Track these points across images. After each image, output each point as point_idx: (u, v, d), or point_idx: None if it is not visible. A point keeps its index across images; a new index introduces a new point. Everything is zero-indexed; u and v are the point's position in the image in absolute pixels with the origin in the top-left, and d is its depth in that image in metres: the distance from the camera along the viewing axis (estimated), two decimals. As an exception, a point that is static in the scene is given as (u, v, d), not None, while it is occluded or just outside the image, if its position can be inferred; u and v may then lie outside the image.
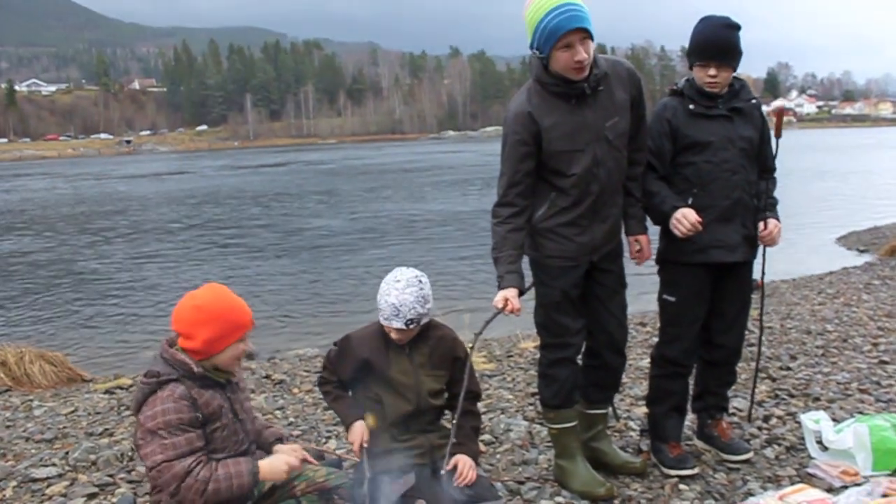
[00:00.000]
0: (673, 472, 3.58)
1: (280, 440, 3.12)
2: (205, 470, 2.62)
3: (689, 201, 3.45)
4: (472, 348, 3.27)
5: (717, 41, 3.38)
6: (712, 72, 3.39)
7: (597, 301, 3.42)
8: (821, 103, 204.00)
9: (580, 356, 3.53)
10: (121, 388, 6.35)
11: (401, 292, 3.00)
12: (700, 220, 3.34)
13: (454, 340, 3.28)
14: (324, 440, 4.43)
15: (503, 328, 7.27)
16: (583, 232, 3.28)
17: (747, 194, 3.48)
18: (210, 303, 2.70)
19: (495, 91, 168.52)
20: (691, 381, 3.82)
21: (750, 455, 3.71)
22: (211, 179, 46.05)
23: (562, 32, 2.95)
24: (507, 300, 3.14)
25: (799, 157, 43.64)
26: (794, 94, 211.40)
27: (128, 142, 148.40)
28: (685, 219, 3.34)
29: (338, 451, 3.97)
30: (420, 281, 3.07)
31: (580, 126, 3.16)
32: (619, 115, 3.23)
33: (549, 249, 3.31)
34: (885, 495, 3.03)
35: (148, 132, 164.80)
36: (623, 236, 3.52)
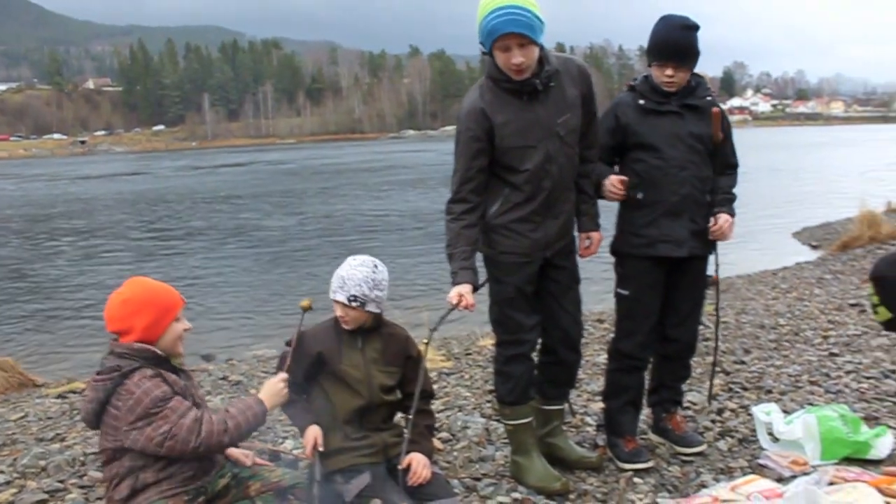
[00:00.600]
0: (628, 467, 3.61)
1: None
2: (214, 415, 2.68)
3: (640, 196, 3.52)
4: (427, 344, 3.27)
5: (674, 42, 3.44)
6: (669, 72, 3.45)
7: (551, 297, 3.44)
8: (775, 102, 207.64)
9: (535, 352, 3.55)
10: (74, 392, 6.23)
11: (352, 268, 3.06)
12: (623, 178, 3.48)
13: (407, 339, 3.30)
14: (280, 440, 4.39)
15: (462, 326, 7.28)
16: (536, 228, 3.30)
17: (697, 190, 3.52)
18: (136, 293, 2.72)
19: (455, 90, 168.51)
20: (647, 376, 3.86)
21: (703, 447, 3.76)
22: (168, 180, 45.43)
23: (497, 35, 2.98)
24: (461, 296, 3.14)
25: (755, 154, 44.32)
26: (749, 92, 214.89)
27: (82, 142, 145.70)
28: (611, 184, 3.48)
29: (294, 451, 3.93)
30: (376, 266, 3.10)
31: (532, 122, 3.18)
32: (571, 112, 3.26)
33: (503, 245, 3.32)
34: (831, 483, 3.10)
35: (103, 132, 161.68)
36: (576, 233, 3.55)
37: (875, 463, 3.48)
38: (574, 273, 3.51)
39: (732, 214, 3.61)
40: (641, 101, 3.55)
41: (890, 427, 3.83)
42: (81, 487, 3.78)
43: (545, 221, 3.31)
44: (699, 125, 3.51)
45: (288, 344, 3.22)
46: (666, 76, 3.46)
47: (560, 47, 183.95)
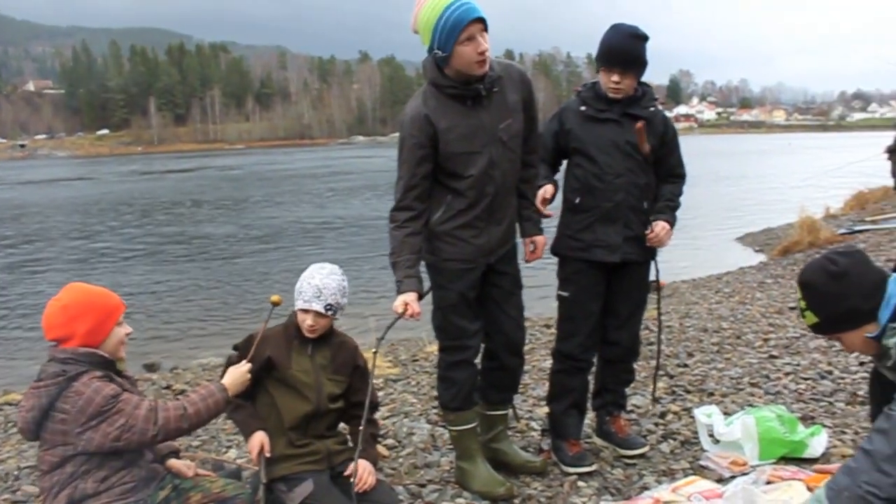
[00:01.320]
0: (571, 470, 3.64)
1: (174, 454, 3.04)
2: (170, 402, 2.67)
3: (577, 201, 3.58)
4: (375, 353, 3.26)
5: (621, 49, 3.49)
6: (615, 78, 3.49)
7: (493, 303, 3.45)
8: (720, 110, 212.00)
9: (479, 358, 3.56)
10: (9, 404, 6.05)
11: (325, 276, 3.08)
12: (552, 190, 3.61)
13: (355, 349, 3.31)
14: (224, 450, 4.33)
15: (410, 332, 7.26)
16: (479, 234, 3.31)
17: (633, 197, 3.56)
18: (76, 298, 2.68)
19: (405, 96, 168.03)
20: (591, 379, 3.90)
21: (645, 449, 3.80)
22: (112, 186, 44.53)
23: (464, 24, 2.98)
24: (406, 304, 3.14)
25: (700, 162, 45.14)
26: (695, 100, 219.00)
27: (22, 146, 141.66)
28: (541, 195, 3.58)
29: (238, 461, 3.88)
30: (342, 274, 3.16)
31: (476, 128, 3.19)
32: (513, 117, 3.28)
33: (447, 253, 3.32)
34: (769, 482, 3.16)
35: (44, 136, 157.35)
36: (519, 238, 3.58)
37: (810, 461, 3.56)
38: (517, 278, 3.53)
39: (672, 222, 3.65)
40: (583, 108, 3.61)
41: (825, 426, 3.92)
42: (15, 503, 3.67)
43: (488, 227, 3.32)
44: (644, 135, 3.54)
45: (235, 348, 3.19)
46: (612, 82, 3.51)
47: (509, 54, 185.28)
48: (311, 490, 3.05)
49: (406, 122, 3.22)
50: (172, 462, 2.98)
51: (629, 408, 4.34)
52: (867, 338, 2.29)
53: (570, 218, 3.65)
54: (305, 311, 3.09)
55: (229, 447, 4.35)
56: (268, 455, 3.05)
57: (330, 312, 3.09)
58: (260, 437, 3.08)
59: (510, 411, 3.87)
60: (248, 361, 3.06)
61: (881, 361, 2.29)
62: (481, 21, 3.01)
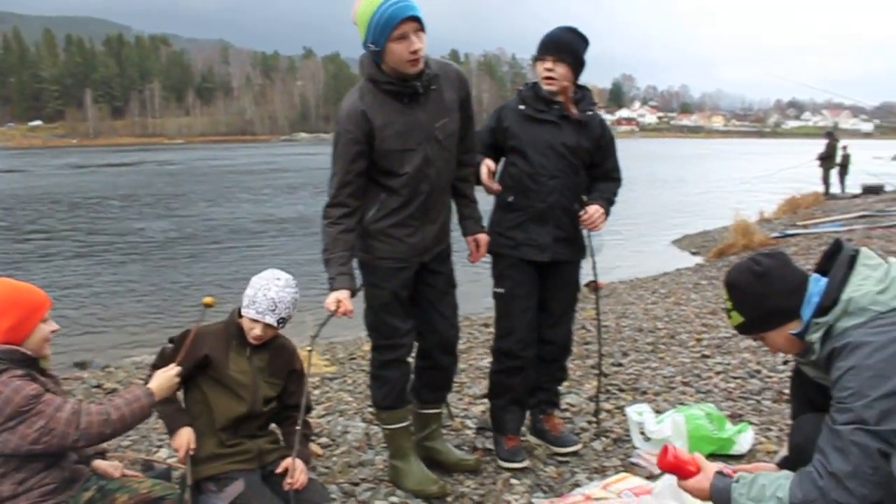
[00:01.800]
0: (505, 465, 3.67)
1: (101, 454, 2.96)
2: (93, 405, 2.57)
3: (510, 199, 3.61)
4: (310, 352, 3.23)
5: (554, 37, 3.56)
6: (548, 65, 3.52)
7: (427, 302, 3.45)
8: (661, 114, 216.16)
9: (412, 357, 3.55)
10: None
11: (280, 289, 3.00)
12: (493, 165, 3.61)
13: (293, 353, 3.26)
14: (154, 449, 4.24)
15: (348, 331, 7.21)
16: (413, 233, 3.30)
17: (566, 199, 3.59)
18: None
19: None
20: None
21: (578, 447, 3.84)
22: (45, 179, 43.20)
23: (397, 21, 2.94)
24: (339, 302, 3.10)
25: (640, 165, 45.88)
26: (637, 104, 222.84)
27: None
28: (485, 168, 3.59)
29: (169, 461, 3.80)
30: (296, 285, 3.08)
31: (412, 125, 3.18)
32: (449, 116, 3.28)
33: (381, 251, 3.31)
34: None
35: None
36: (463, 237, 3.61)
37: (737, 458, 3.64)
38: (450, 278, 3.53)
39: (606, 209, 3.65)
40: (522, 107, 3.62)
41: (752, 423, 4.02)
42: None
43: (422, 226, 3.31)
44: (576, 137, 3.57)
45: (171, 341, 3.11)
46: (546, 69, 3.53)
47: (454, 54, 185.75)
48: (241, 489, 2.99)
49: (342, 117, 3.19)
50: (98, 463, 2.89)
51: (563, 406, 4.38)
52: (791, 335, 2.35)
53: (503, 216, 3.67)
54: (257, 321, 3.04)
55: (160, 447, 4.26)
56: (193, 453, 2.99)
57: (280, 325, 3.05)
58: (187, 435, 3.00)
59: (444, 410, 3.87)
60: (180, 361, 3.00)
61: (805, 357, 2.35)
62: (416, 20, 2.98)
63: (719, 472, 2.40)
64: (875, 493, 2.05)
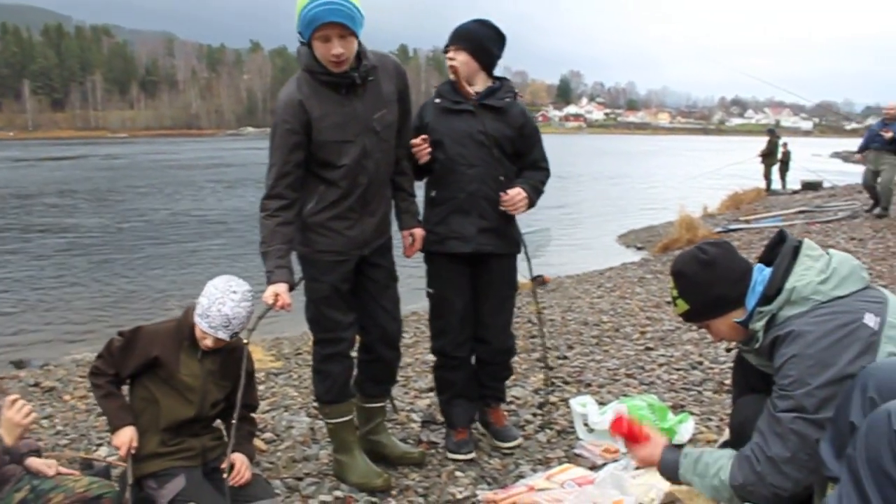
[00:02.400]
0: (451, 456, 3.70)
1: (35, 452, 2.89)
2: None
3: (433, 194, 3.63)
4: (246, 344, 3.19)
5: (457, 27, 3.63)
6: (450, 53, 3.58)
7: (368, 296, 3.45)
8: (608, 111, 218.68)
9: (354, 350, 3.54)
10: None
11: (236, 304, 2.91)
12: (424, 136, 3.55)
13: (248, 355, 3.20)
14: (94, 448, 4.15)
15: (294, 326, 7.15)
16: (353, 225, 3.29)
17: (488, 188, 3.57)
18: None
19: None
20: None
21: (518, 442, 3.85)
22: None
23: (319, 23, 2.94)
24: (276, 295, 3.06)
25: (588, 161, 46.39)
26: (584, 101, 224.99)
27: None
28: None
29: (108, 459, 3.72)
30: (252, 295, 2.99)
31: (350, 117, 3.17)
32: (387, 108, 3.28)
33: (320, 244, 3.29)
34: (638, 467, 3.26)
35: None
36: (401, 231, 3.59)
37: (678, 447, 3.68)
38: (391, 271, 3.53)
39: (529, 194, 3.60)
40: (438, 100, 3.64)
41: (693, 414, 4.09)
42: None
43: (362, 218, 3.31)
44: (495, 125, 3.57)
45: (120, 334, 3.04)
46: (448, 58, 3.59)
47: (403, 49, 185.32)
48: (182, 486, 2.95)
49: (280, 107, 3.16)
50: (32, 461, 2.82)
51: (509, 399, 4.41)
52: (735, 323, 2.40)
53: (429, 212, 3.67)
54: (209, 334, 2.97)
55: (100, 445, 4.18)
56: (134, 451, 2.93)
57: (233, 338, 2.99)
58: (129, 433, 2.94)
59: (388, 403, 3.86)
60: (116, 360, 2.93)
61: (749, 345, 2.40)
62: (342, 25, 2.95)
63: (669, 446, 2.46)
64: (808, 478, 2.12)
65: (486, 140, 3.54)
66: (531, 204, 3.62)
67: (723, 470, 2.29)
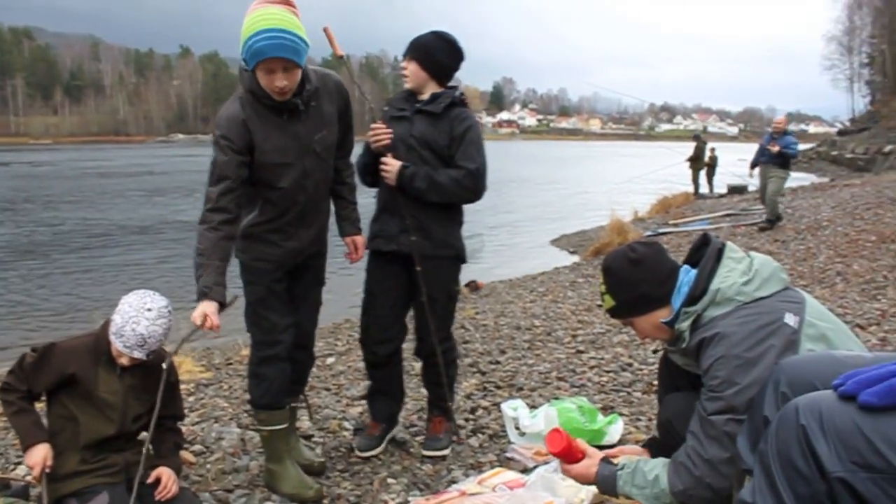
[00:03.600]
0: (356, 452, 3.78)
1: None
2: None
3: (374, 195, 3.74)
4: (171, 354, 3.12)
5: (412, 39, 3.68)
6: (403, 63, 3.69)
7: (292, 296, 3.47)
8: (541, 117, 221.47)
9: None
10: None
11: (151, 323, 2.81)
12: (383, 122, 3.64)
13: (170, 366, 3.13)
14: (12, 466, 3.99)
15: (228, 337, 7.02)
16: (289, 238, 3.31)
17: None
18: None
19: (228, 93, 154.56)
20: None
21: (443, 453, 3.81)
22: None
23: (263, 58, 2.93)
24: (206, 316, 2.97)
25: (521, 166, 46.84)
26: (517, 107, 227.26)
27: None
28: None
29: (27, 478, 3.59)
30: (169, 312, 2.89)
31: (291, 139, 3.18)
32: (328, 129, 3.31)
33: (256, 252, 3.30)
34: (567, 471, 3.30)
35: None
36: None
37: (608, 448, 3.74)
38: (318, 274, 3.57)
39: (415, 173, 3.55)
40: (385, 108, 3.77)
41: (622, 415, 4.16)
42: None
43: (298, 232, 3.33)
44: (427, 129, 3.62)
45: (34, 350, 2.94)
46: (401, 67, 3.71)
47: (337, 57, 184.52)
48: (106, 503, 2.87)
49: (223, 124, 3.12)
50: None
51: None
52: (661, 323, 2.45)
53: (375, 211, 3.79)
54: (124, 354, 2.89)
55: (18, 463, 4.02)
56: (49, 470, 2.83)
57: (151, 357, 2.89)
58: (43, 451, 2.82)
59: (303, 404, 3.88)
60: (29, 376, 2.84)
61: (675, 345, 2.45)
62: (286, 59, 2.94)
63: (604, 459, 2.50)
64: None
65: (415, 144, 3.61)
66: (402, 183, 3.57)
67: (660, 478, 2.34)
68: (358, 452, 3.79)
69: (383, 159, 3.57)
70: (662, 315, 2.45)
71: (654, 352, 5.49)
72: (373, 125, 3.61)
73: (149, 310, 2.84)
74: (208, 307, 2.98)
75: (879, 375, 1.48)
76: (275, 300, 3.34)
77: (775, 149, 12.36)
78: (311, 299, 3.53)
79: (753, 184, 13.64)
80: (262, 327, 3.36)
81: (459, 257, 3.78)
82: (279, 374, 3.40)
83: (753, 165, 13.17)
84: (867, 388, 1.47)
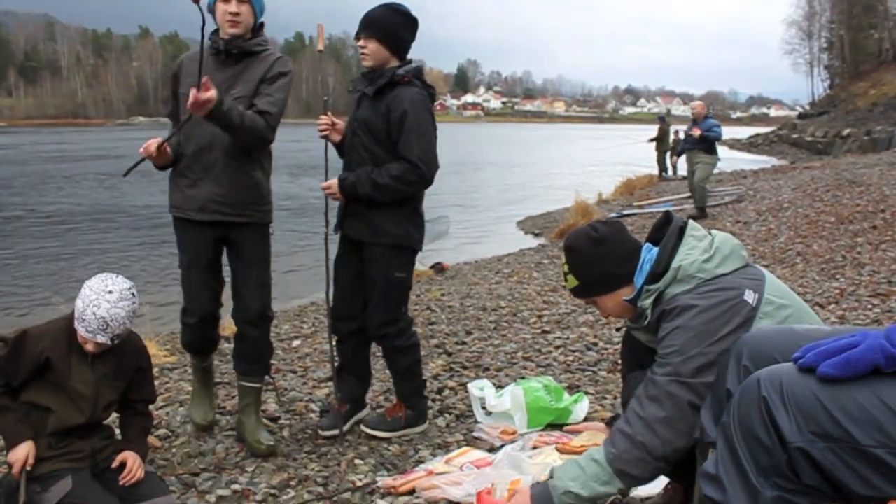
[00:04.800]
0: (320, 431, 3.82)
1: None
2: None
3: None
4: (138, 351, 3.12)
5: (365, 15, 3.63)
6: (361, 42, 3.63)
7: (234, 276, 3.69)
8: (505, 99, 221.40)
9: None
10: None
11: (113, 306, 2.75)
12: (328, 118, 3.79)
13: (141, 351, 3.10)
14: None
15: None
16: (191, 185, 3.53)
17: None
18: None
19: None
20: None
21: (377, 433, 3.79)
22: None
23: None
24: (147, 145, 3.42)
25: (486, 149, 46.83)
26: (482, 89, 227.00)
27: None
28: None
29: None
30: (133, 294, 2.83)
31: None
32: (243, 89, 3.50)
33: (170, 200, 3.65)
34: (535, 448, 3.33)
35: None
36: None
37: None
38: (259, 251, 3.68)
39: (355, 181, 3.58)
40: (350, 90, 3.82)
41: (587, 393, 4.21)
42: None
43: (198, 182, 3.53)
44: (366, 112, 3.60)
45: (2, 340, 2.88)
46: (360, 47, 3.63)
47: (300, 37, 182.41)
48: (69, 488, 2.82)
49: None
50: None
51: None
52: (623, 301, 2.47)
53: None
54: (89, 339, 2.84)
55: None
56: (30, 468, 2.79)
57: (116, 341, 2.84)
58: (25, 450, 2.78)
59: (269, 386, 4.02)
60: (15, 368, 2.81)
61: (638, 323, 2.47)
62: None
63: (532, 484, 2.48)
64: (678, 441, 2.20)
65: (357, 127, 3.64)
66: (349, 194, 3.62)
67: (596, 452, 2.33)
68: (321, 432, 3.80)
69: (324, 185, 3.69)
70: (625, 293, 2.48)
71: (618, 330, 5.55)
72: (321, 116, 3.72)
73: (110, 292, 2.78)
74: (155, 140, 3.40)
75: (838, 347, 1.51)
76: (195, 272, 3.63)
77: (697, 133, 12.45)
78: (251, 277, 3.63)
79: (717, 166, 13.80)
80: (184, 293, 3.70)
81: (399, 245, 3.67)
82: (190, 339, 3.84)
83: (679, 153, 13.24)
84: (826, 359, 1.50)
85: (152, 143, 3.36)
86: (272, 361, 4.94)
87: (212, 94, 3.09)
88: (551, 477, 2.42)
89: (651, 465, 2.26)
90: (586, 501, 2.31)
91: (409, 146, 3.51)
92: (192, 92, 3.07)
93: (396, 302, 3.76)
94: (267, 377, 3.86)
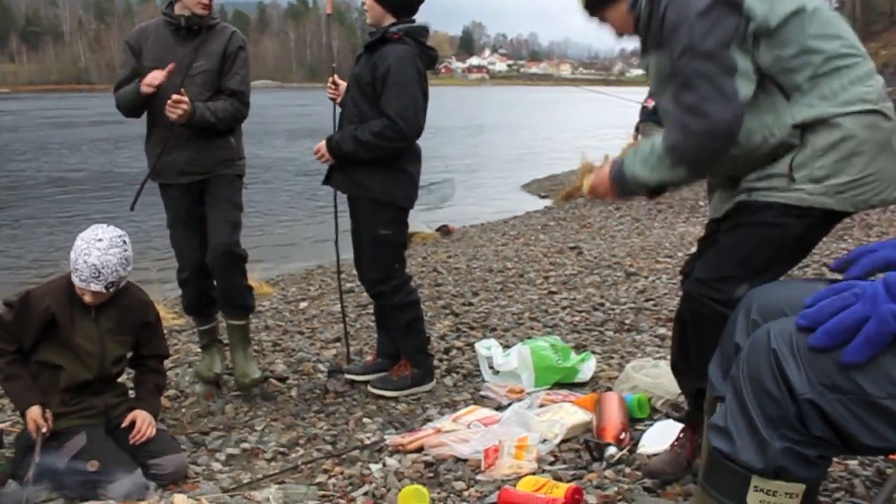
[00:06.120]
0: (345, 375, 4.05)
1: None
2: None
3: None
4: (145, 306, 3.13)
5: None
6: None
7: (206, 221, 3.80)
8: (511, 62, 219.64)
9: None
10: None
11: (103, 253, 2.79)
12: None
13: (146, 305, 3.15)
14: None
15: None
16: (163, 152, 3.68)
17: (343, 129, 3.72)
18: None
19: None
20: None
21: (383, 393, 3.82)
22: None
23: None
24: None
25: (492, 112, 46.63)
26: (487, 52, 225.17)
27: None
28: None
29: (1, 425, 3.58)
30: (124, 241, 2.88)
31: (169, 55, 3.63)
32: (206, 63, 3.67)
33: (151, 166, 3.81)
34: (542, 406, 3.35)
35: None
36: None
37: (581, 385, 3.80)
38: (228, 197, 3.78)
39: (333, 147, 3.65)
40: (359, 51, 3.76)
41: (594, 353, 4.21)
42: None
43: (173, 148, 3.70)
44: (360, 68, 3.61)
45: (7, 304, 2.91)
46: (362, 2, 3.69)
47: (304, 2, 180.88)
48: (84, 443, 2.89)
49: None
50: None
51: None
52: (626, 13, 2.43)
53: None
54: (85, 290, 2.86)
55: (-9, 411, 4.01)
56: (44, 430, 2.83)
57: (111, 290, 2.87)
58: (34, 414, 2.85)
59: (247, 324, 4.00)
60: (13, 332, 2.86)
61: (638, 32, 2.43)
62: None
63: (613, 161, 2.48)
64: (727, 111, 2.14)
65: (351, 83, 3.69)
66: (335, 153, 3.65)
67: (656, 143, 2.32)
68: (347, 376, 3.99)
69: (313, 150, 3.76)
70: (626, 3, 2.45)
71: (626, 291, 5.54)
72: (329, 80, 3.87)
73: (99, 240, 2.84)
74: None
75: (844, 324, 1.48)
76: (182, 227, 3.81)
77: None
78: (217, 216, 3.71)
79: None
80: (175, 250, 3.90)
81: (377, 201, 3.66)
82: (188, 294, 3.97)
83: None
84: (832, 336, 1.48)
85: (157, 75, 3.52)
86: (279, 322, 4.99)
87: (184, 107, 3.42)
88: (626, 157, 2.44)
89: (701, 151, 2.24)
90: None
91: (389, 102, 3.51)
92: (168, 104, 3.41)
93: (387, 259, 3.74)
94: (266, 372, 3.95)
